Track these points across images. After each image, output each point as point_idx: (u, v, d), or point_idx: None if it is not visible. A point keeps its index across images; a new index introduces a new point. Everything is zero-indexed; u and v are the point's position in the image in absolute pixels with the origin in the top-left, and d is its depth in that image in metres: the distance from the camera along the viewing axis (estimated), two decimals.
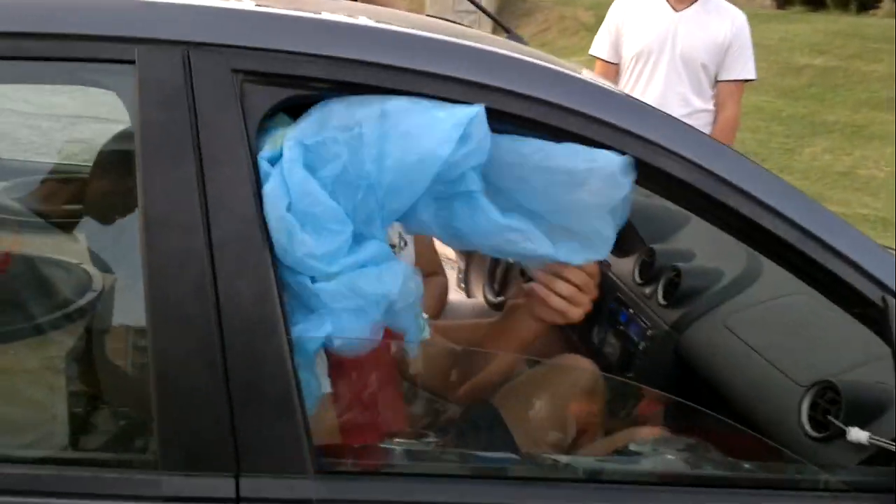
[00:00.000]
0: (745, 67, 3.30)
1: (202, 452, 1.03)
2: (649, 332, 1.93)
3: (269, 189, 1.07)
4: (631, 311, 2.04)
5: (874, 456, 1.31)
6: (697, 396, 1.77)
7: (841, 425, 1.35)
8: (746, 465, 1.22)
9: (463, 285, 2.86)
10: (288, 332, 1.05)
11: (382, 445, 1.22)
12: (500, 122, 1.13)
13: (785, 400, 1.51)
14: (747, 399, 1.63)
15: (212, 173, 1.05)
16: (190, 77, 1.05)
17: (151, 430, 1.03)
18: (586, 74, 1.25)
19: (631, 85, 3.34)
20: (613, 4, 3.43)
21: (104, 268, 1.25)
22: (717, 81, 3.30)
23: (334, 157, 1.11)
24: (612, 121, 1.16)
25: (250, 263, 1.05)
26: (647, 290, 2.02)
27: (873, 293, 1.20)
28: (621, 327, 2.04)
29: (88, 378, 1.18)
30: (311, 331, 1.08)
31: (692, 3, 3.26)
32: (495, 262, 2.46)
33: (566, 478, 1.20)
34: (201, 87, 1.06)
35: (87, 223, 1.35)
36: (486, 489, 1.13)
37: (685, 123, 1.23)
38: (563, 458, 1.26)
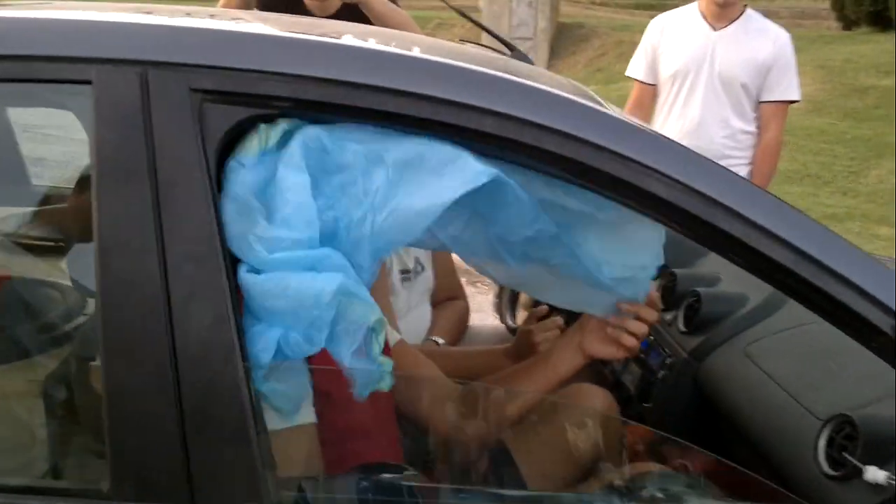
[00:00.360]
0: (788, 88, 3.16)
1: (154, 483, 1.00)
2: (668, 361, 1.84)
3: (245, 174, 1.05)
4: (651, 338, 1.94)
5: (893, 497, 1.20)
6: (715, 427, 1.67)
7: (857, 463, 1.25)
8: None
9: (496, 310, 2.80)
10: (244, 359, 1.01)
11: (346, 477, 1.16)
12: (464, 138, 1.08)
13: (802, 434, 1.41)
14: (764, 432, 1.52)
15: (167, 195, 1.02)
16: (147, 97, 1.03)
17: (104, 459, 1.00)
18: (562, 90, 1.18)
19: (668, 106, 3.25)
20: (650, 24, 3.34)
21: (79, 291, 1.23)
22: (759, 102, 3.18)
23: (348, 166, 1.07)
24: (600, 142, 1.09)
25: (205, 288, 1.01)
26: (668, 317, 1.93)
27: (883, 321, 1.10)
28: (641, 355, 1.95)
29: (44, 407, 1.16)
30: (258, 339, 1.03)
31: (732, 22, 3.15)
32: (516, 292, 2.40)
33: None
34: (158, 107, 1.03)
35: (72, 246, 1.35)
36: None
37: (678, 144, 1.16)
38: (552, 496, 1.18)
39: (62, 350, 1.22)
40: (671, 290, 1.96)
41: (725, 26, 3.14)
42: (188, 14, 1.29)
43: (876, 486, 1.21)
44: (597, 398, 1.73)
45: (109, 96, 1.03)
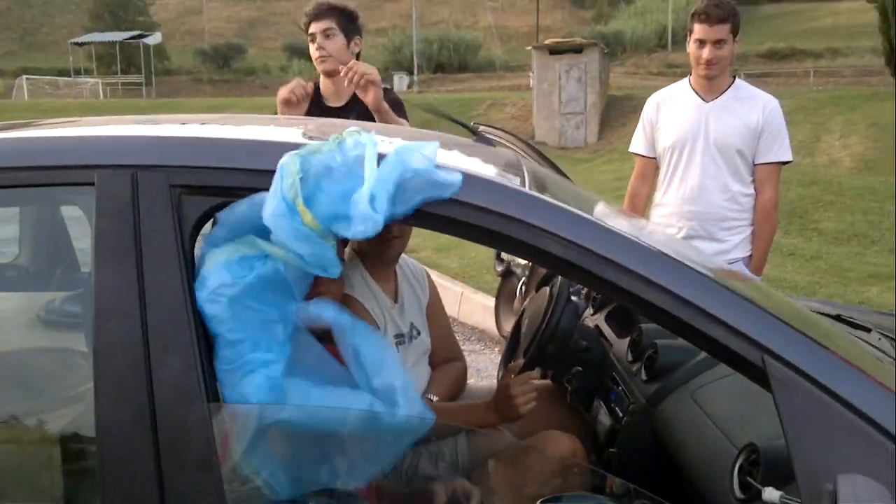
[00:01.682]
0: (780, 150, 3.34)
1: (135, 502, 1.23)
2: (631, 408, 2.01)
3: None
4: (620, 388, 2.12)
5: None
6: (667, 464, 1.84)
7: (757, 485, 1.41)
8: None
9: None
10: (208, 400, 1.25)
11: (296, 500, 1.37)
12: None
13: (724, 464, 1.56)
14: (699, 464, 1.68)
15: (149, 269, 1.28)
16: (137, 192, 1.31)
17: (97, 483, 1.24)
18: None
19: (669, 175, 3.44)
20: (647, 102, 3.57)
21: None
22: (754, 165, 3.36)
23: None
24: (498, 209, 1.33)
25: (177, 344, 1.26)
26: (634, 368, 2.11)
27: (753, 355, 1.28)
28: (612, 405, 2.13)
29: (58, 445, 1.42)
30: None
31: (722, 93, 3.36)
32: (512, 348, 2.60)
33: None
34: (145, 199, 1.31)
35: None
36: None
37: (564, 206, 1.37)
38: None
39: (75, 404, 1.48)
40: (637, 344, 2.14)
41: (716, 97, 3.36)
42: (182, 122, 1.58)
43: None
44: (562, 443, 1.91)
45: (107, 193, 1.31)
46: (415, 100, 20.10)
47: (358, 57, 3.05)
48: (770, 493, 1.36)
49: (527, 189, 1.41)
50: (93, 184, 1.32)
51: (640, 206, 3.63)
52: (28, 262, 2.39)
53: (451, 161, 1.51)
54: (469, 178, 1.40)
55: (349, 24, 3.05)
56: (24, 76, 35.28)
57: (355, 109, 2.89)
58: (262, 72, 35.78)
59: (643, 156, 3.53)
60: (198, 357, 1.26)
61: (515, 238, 1.33)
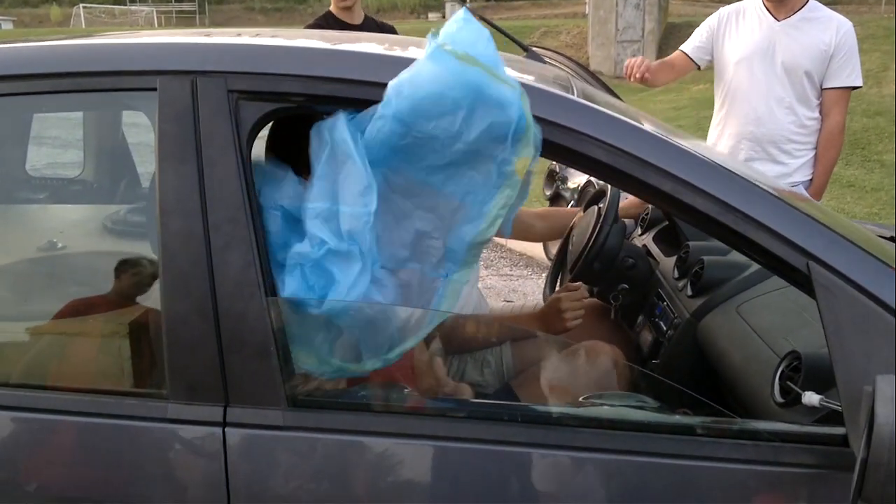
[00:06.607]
0: (850, 75, 3.24)
1: (199, 387, 1.32)
2: (675, 321, 2.04)
3: None
4: (665, 303, 2.15)
5: (824, 417, 1.38)
6: (709, 374, 1.87)
7: (798, 390, 1.43)
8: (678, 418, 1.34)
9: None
10: (266, 294, 1.32)
11: (341, 388, 1.45)
12: None
13: (766, 372, 1.59)
14: (741, 373, 1.71)
15: (210, 171, 1.34)
16: (196, 97, 1.36)
17: (163, 370, 1.33)
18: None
19: (732, 92, 3.36)
20: (717, 12, 3.48)
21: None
22: (822, 89, 3.28)
23: None
24: (544, 116, 1.34)
25: (237, 241, 1.32)
26: (680, 284, 2.13)
27: (798, 261, 1.29)
28: (656, 319, 2.16)
29: (128, 335, 1.50)
30: None
31: (794, 13, 3.26)
32: (558, 267, 2.63)
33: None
34: (204, 104, 1.35)
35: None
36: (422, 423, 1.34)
37: (610, 113, 1.38)
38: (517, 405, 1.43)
39: (143, 298, 1.57)
40: (685, 261, 2.16)
41: (788, 17, 3.26)
42: (238, 34, 1.62)
43: (811, 409, 1.39)
44: (604, 352, 1.95)
45: (169, 98, 1.36)
46: None
47: None
48: (810, 396, 1.39)
49: (573, 96, 1.42)
50: (155, 89, 1.37)
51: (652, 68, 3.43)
52: (92, 176, 2.49)
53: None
54: None
55: None
56: (81, 5, 35.58)
57: (370, 27, 3.72)
58: (313, 0, 35.48)
59: (687, 55, 3.46)
60: (256, 253, 1.32)
61: (560, 144, 1.35)
